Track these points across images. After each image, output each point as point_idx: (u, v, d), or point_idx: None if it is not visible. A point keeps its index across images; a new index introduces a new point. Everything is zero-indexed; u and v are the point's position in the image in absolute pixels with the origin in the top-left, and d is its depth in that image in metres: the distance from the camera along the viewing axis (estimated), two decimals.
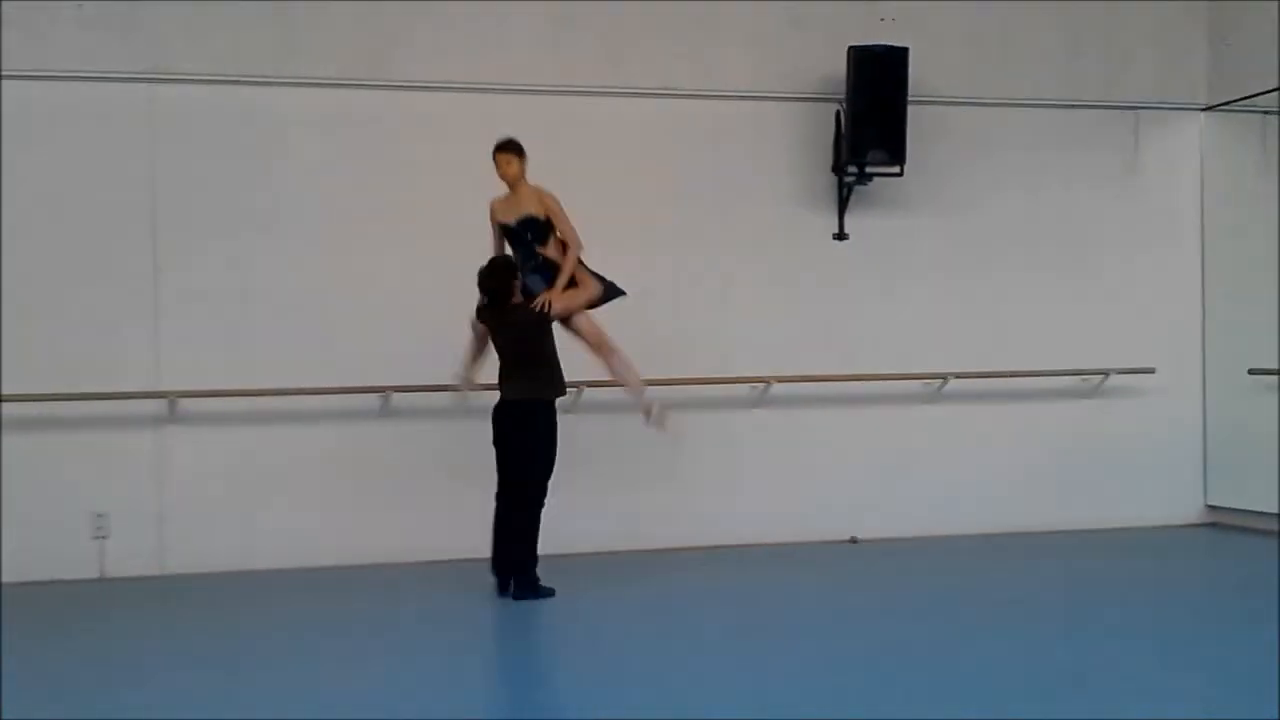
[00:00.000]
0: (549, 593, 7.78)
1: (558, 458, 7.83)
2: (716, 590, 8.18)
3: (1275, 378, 9.91)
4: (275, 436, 9.00)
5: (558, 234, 7.91)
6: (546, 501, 7.83)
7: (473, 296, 8.94)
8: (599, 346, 7.92)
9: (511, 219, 7.85)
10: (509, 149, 7.86)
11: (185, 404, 8.81)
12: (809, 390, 9.77)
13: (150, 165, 8.81)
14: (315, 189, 9.06)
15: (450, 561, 8.81)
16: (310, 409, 8.99)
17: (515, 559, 7.81)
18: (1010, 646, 6.65)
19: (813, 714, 5.52)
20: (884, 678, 6.10)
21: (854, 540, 9.80)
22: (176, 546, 8.82)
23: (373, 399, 9.09)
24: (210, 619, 7.58)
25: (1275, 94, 9.91)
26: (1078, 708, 5.58)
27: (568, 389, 8.02)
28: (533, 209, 7.81)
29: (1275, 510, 10.02)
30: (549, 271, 7.87)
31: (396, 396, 9.09)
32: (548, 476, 7.81)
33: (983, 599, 7.94)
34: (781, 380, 9.65)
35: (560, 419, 7.86)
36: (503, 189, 7.98)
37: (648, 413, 7.92)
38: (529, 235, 7.84)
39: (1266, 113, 10.21)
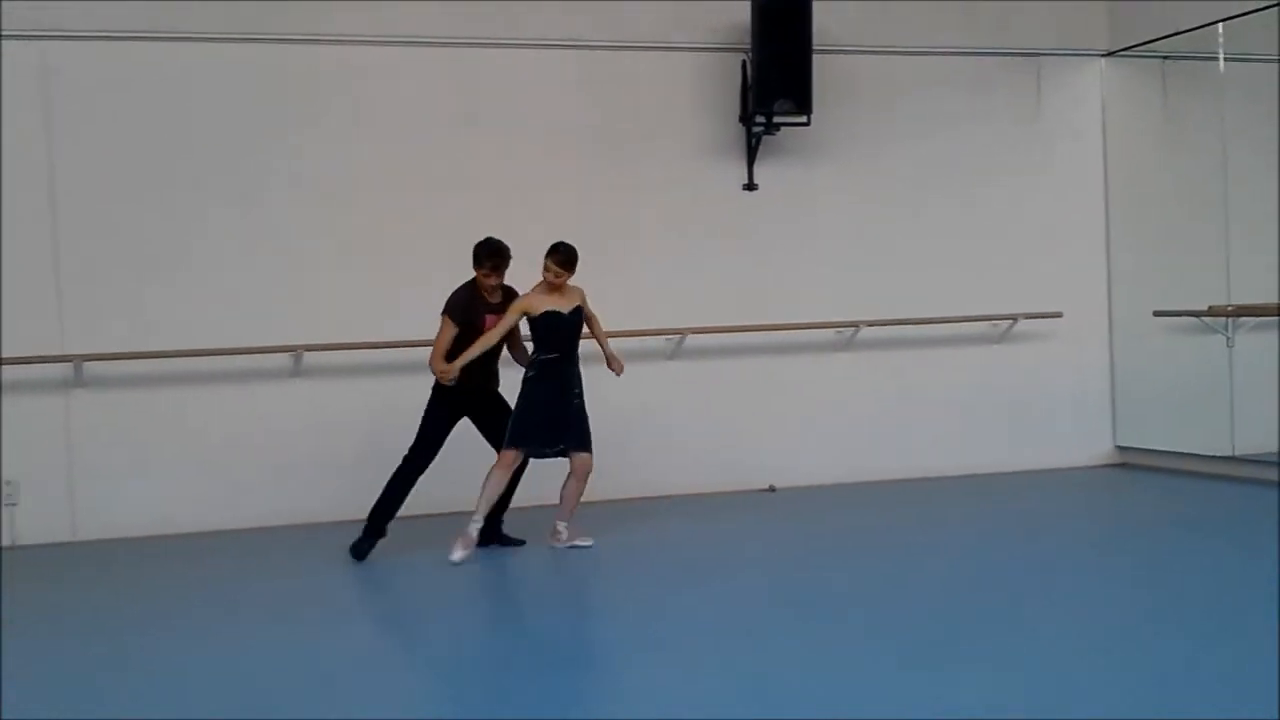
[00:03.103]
0: (357, 553, 7.74)
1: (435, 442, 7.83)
2: (635, 541, 8.20)
3: (1179, 319, 10.10)
4: (184, 398, 8.91)
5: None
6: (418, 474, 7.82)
7: (381, 251, 8.97)
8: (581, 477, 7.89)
9: (565, 308, 7.72)
10: (571, 264, 7.72)
11: (91, 367, 8.68)
12: (723, 341, 9.82)
13: (46, 124, 8.65)
14: (215, 146, 8.95)
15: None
16: (220, 369, 8.91)
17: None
18: (933, 588, 6.75)
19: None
20: (809, 623, 6.19)
21: (772, 489, 9.86)
22: (87, 512, 8.70)
23: (284, 358, 9.02)
24: (123, 585, 7.48)
25: (1173, 39, 10.08)
26: (994, 644, 5.70)
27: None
28: (580, 303, 7.83)
29: (1181, 450, 10.23)
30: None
31: (309, 355, 9.02)
32: (414, 447, 7.80)
33: (903, 544, 8.03)
34: (695, 331, 9.68)
35: None
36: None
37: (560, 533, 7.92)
38: (576, 322, 7.81)
39: (1166, 57, 10.39)
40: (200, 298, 8.89)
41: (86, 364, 8.66)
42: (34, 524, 8.62)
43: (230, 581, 7.44)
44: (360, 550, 7.73)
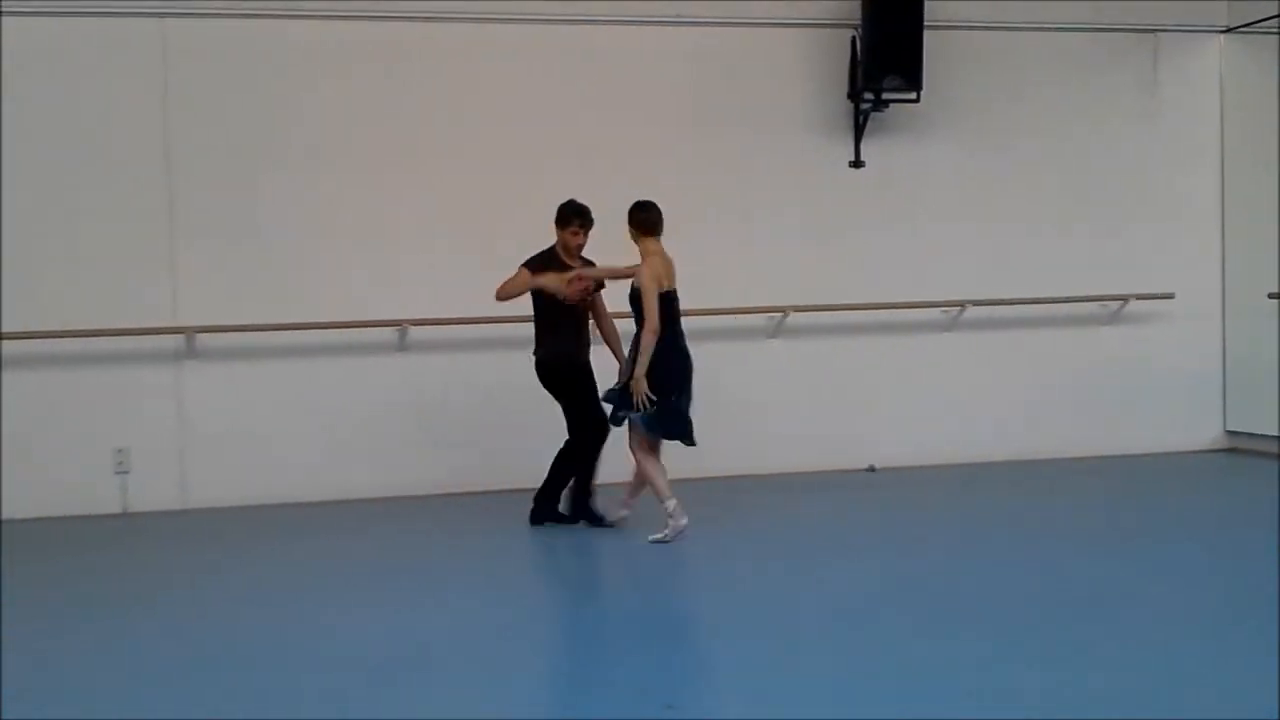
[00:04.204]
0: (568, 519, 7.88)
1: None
2: (740, 519, 8.19)
3: None
4: (294, 370, 9.02)
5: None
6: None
7: (487, 226, 8.99)
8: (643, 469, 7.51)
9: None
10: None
11: (203, 339, 8.82)
12: (826, 319, 9.74)
13: (162, 100, 8.79)
14: (329, 122, 9.03)
15: (475, 494, 8.90)
16: (328, 342, 9.00)
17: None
18: (1035, 571, 6.68)
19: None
20: (899, 607, 6.14)
21: (872, 469, 9.80)
22: (198, 481, 8.86)
23: (389, 332, 9.09)
24: (232, 553, 7.61)
25: None
26: (1094, 631, 5.62)
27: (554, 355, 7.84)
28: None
29: None
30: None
31: (414, 330, 9.09)
32: (578, 425, 7.78)
33: (1004, 526, 7.95)
34: (799, 309, 9.62)
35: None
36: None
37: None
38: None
39: None
40: (309, 271, 8.98)
41: (199, 335, 8.80)
42: (145, 491, 8.80)
43: (327, 553, 7.53)
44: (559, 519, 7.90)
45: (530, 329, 7.94)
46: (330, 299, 8.95)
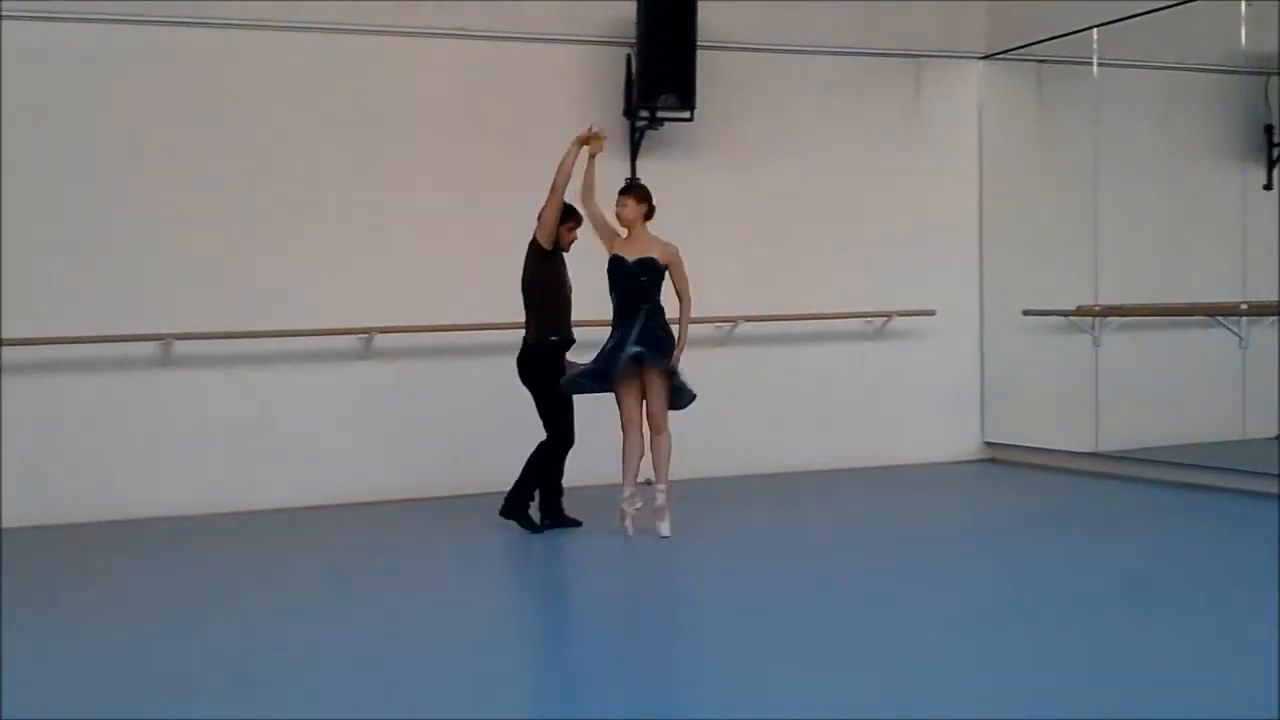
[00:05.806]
0: (536, 528, 8.17)
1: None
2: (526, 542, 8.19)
3: (1048, 319, 10.33)
4: (57, 386, 8.70)
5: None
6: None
7: (251, 232, 8.77)
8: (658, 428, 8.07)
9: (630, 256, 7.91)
10: (631, 193, 8.01)
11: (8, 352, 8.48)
12: (596, 335, 9.73)
13: None
14: (128, 126, 8.83)
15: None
16: (87, 358, 8.70)
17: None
18: (802, 580, 6.88)
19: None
20: (652, 615, 6.30)
21: (648, 483, 9.86)
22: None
23: (151, 347, 8.83)
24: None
25: (1049, 43, 10.28)
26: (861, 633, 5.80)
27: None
28: (655, 254, 7.92)
29: (1047, 446, 10.49)
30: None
31: (179, 344, 8.86)
32: (551, 423, 8.14)
33: (778, 536, 8.22)
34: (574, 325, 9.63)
35: None
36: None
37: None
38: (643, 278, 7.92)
39: (1041, 61, 10.58)
40: (75, 282, 8.71)
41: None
42: None
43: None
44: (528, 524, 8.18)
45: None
46: (89, 311, 8.67)
